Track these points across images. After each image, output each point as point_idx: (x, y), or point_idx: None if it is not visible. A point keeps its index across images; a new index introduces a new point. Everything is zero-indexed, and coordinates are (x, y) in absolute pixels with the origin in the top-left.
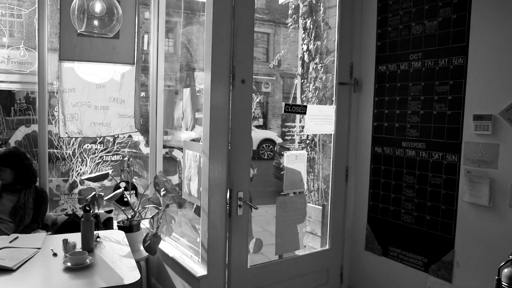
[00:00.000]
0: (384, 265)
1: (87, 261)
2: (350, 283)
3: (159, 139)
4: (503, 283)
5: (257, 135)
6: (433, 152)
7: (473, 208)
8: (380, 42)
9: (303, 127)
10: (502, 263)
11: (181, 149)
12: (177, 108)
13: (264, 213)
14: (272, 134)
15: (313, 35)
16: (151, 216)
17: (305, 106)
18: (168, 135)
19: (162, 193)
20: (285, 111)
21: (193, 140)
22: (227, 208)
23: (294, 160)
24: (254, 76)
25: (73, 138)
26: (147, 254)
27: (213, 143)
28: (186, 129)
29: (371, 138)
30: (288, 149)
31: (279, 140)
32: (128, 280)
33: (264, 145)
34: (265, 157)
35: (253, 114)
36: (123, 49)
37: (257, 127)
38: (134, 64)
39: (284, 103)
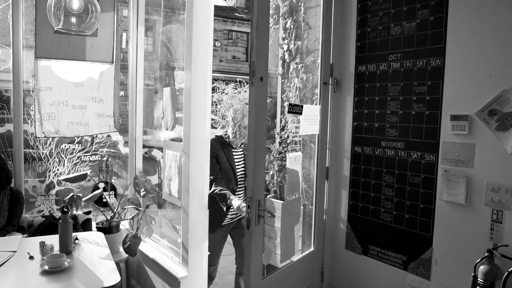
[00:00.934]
0: (364, 264)
1: (65, 263)
2: (330, 282)
3: (138, 138)
4: (479, 279)
5: None
6: (411, 151)
7: (450, 206)
8: (360, 43)
9: (296, 127)
10: (478, 260)
11: (160, 148)
12: (157, 107)
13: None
14: None
15: (293, 35)
16: (131, 217)
17: (302, 106)
18: (147, 134)
19: (142, 194)
20: (288, 112)
21: (173, 139)
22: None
23: (294, 162)
24: (233, 76)
25: (50, 138)
26: (127, 255)
27: (194, 143)
28: (166, 129)
29: (351, 138)
30: (269, 149)
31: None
32: (107, 283)
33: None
34: None
35: None
36: (102, 47)
37: None
38: (113, 62)
39: (288, 103)
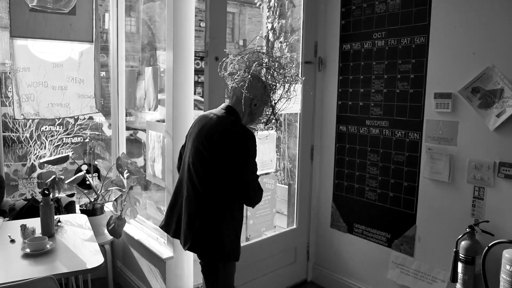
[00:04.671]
0: (349, 242)
1: (47, 246)
2: (316, 261)
3: (121, 120)
4: (460, 254)
5: None
6: (396, 130)
7: (433, 184)
8: (344, 21)
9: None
10: (460, 236)
11: (145, 130)
12: (139, 87)
13: None
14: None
15: (277, 13)
16: (114, 199)
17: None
18: (132, 116)
19: (125, 175)
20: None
21: (159, 121)
22: None
23: (265, 140)
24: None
25: (30, 120)
26: (111, 237)
27: (177, 123)
28: (149, 109)
29: (336, 117)
30: (255, 130)
31: None
32: (91, 264)
33: None
34: None
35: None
36: (81, 26)
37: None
38: (92, 42)
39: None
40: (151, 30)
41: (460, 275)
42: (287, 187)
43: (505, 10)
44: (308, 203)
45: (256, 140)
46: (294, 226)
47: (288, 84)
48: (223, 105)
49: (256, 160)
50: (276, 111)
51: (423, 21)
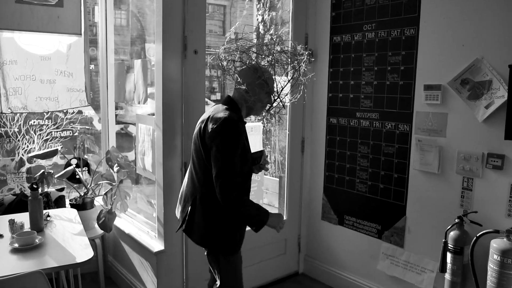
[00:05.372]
0: (340, 234)
1: (36, 241)
2: (307, 252)
3: (111, 113)
4: (449, 245)
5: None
6: (386, 122)
7: (423, 175)
8: (335, 13)
9: None
10: (449, 227)
11: (135, 124)
12: (129, 81)
13: None
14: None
15: (268, 6)
16: (104, 193)
17: None
18: (123, 109)
19: (115, 169)
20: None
21: (150, 115)
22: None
23: (250, 132)
24: (211, 50)
25: (18, 114)
26: (102, 231)
27: (167, 116)
28: (139, 102)
29: (326, 109)
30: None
31: None
32: (80, 258)
33: None
34: None
35: (212, 89)
36: (68, 18)
37: (215, 101)
38: (81, 34)
39: None
40: (140, 23)
41: (449, 265)
42: (278, 179)
43: (494, 2)
44: (299, 195)
45: (240, 129)
46: (285, 218)
47: (293, 69)
48: (226, 96)
49: (236, 150)
50: (280, 98)
51: (413, 13)
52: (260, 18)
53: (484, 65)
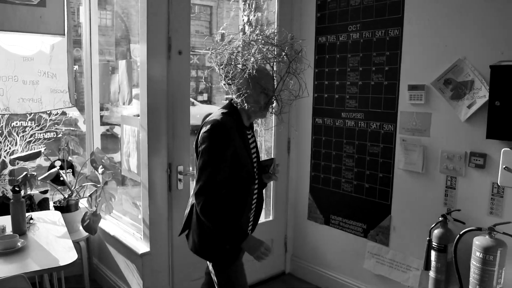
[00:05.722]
0: (326, 233)
1: (18, 244)
2: (294, 253)
3: (95, 114)
4: (433, 243)
5: (202, 110)
6: (371, 122)
7: (408, 174)
8: (320, 14)
9: None
10: (433, 225)
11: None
12: (113, 81)
13: None
14: (216, 109)
15: (253, 6)
16: (89, 195)
17: None
18: (108, 111)
19: (100, 171)
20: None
21: (136, 116)
22: (168, 182)
23: None
24: (197, 51)
25: (0, 116)
26: (87, 234)
27: (152, 117)
28: (123, 103)
29: (312, 110)
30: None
31: None
32: (64, 261)
33: None
34: None
35: (198, 89)
36: (51, 18)
37: (202, 102)
38: (64, 35)
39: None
40: (125, 23)
41: (433, 263)
42: None
43: (475, 3)
44: (285, 195)
45: (229, 136)
46: (270, 218)
47: (283, 63)
48: (229, 99)
49: (219, 157)
50: (276, 96)
51: (397, 14)
52: (245, 19)
53: (466, 66)
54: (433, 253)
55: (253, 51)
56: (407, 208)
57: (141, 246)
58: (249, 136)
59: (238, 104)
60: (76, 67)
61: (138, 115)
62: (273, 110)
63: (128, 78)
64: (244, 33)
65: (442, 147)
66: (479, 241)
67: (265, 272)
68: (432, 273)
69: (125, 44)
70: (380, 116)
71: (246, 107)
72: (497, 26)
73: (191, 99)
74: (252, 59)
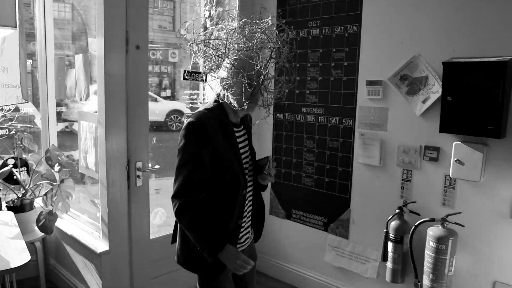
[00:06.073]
0: (287, 228)
1: None
2: (259, 248)
3: (51, 110)
4: (390, 234)
5: (165, 106)
6: (331, 117)
7: (366, 168)
8: (281, 9)
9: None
10: (390, 217)
11: None
12: (69, 76)
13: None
14: (180, 105)
15: (215, 1)
16: (44, 193)
17: (205, 73)
18: (66, 107)
19: (56, 168)
20: (184, 78)
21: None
22: (128, 179)
23: None
24: (160, 46)
25: None
26: (42, 234)
27: (110, 113)
28: (80, 99)
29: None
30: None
31: (187, 111)
32: (15, 263)
33: (172, 116)
34: (174, 128)
35: (162, 85)
36: (2, 9)
37: (165, 98)
38: (16, 27)
39: (183, 70)
40: (81, 16)
41: (390, 254)
42: None
43: (428, 1)
44: None
45: (205, 134)
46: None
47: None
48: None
49: (193, 157)
50: (260, 83)
51: (356, 11)
52: (207, 13)
53: (421, 62)
54: (390, 244)
55: (229, 36)
56: (365, 201)
57: (100, 245)
58: (239, 134)
59: (222, 98)
60: (30, 61)
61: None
62: (262, 103)
63: (85, 73)
64: (206, 28)
65: (398, 141)
66: (432, 231)
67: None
68: (389, 264)
69: (84, 38)
70: (339, 111)
71: (230, 101)
72: (450, 24)
73: (154, 95)
74: (231, 45)
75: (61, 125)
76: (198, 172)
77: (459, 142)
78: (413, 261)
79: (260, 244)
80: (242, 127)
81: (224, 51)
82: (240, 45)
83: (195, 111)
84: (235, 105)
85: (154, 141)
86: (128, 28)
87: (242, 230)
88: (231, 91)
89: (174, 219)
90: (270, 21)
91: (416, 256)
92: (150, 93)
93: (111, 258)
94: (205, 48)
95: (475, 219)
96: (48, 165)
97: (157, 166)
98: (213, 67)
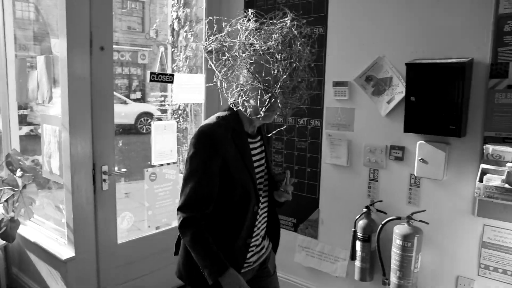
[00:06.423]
0: None
1: None
2: None
3: (12, 114)
4: (358, 234)
5: (135, 108)
6: (299, 117)
7: (334, 168)
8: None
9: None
10: (357, 216)
11: None
12: (31, 78)
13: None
14: (150, 107)
15: (182, 2)
16: (5, 200)
17: (172, 75)
18: (28, 109)
19: (19, 173)
20: (150, 80)
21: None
22: (93, 184)
23: (163, 130)
24: (129, 48)
25: None
26: (4, 242)
27: (74, 116)
28: (43, 101)
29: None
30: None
31: (157, 113)
32: None
33: (142, 119)
34: (144, 131)
35: (131, 87)
36: None
37: (135, 100)
38: None
39: (150, 71)
40: (43, 17)
41: (358, 253)
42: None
43: (392, 4)
44: None
45: (216, 145)
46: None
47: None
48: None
49: (201, 169)
50: (279, 90)
51: (322, 12)
52: (174, 14)
53: (385, 63)
54: (358, 243)
55: (243, 37)
56: (334, 201)
57: (65, 252)
58: (255, 146)
59: (236, 106)
60: None
61: None
62: (280, 112)
63: (48, 75)
64: (173, 29)
65: (365, 141)
66: (398, 230)
67: (176, 280)
68: (357, 263)
69: (48, 39)
70: (307, 112)
71: (245, 109)
72: (413, 26)
73: (124, 98)
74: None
75: (26, 129)
76: (205, 183)
77: (423, 142)
78: (380, 259)
79: None
80: (259, 138)
81: (237, 54)
82: (256, 48)
83: (209, 118)
84: (251, 113)
85: (121, 144)
86: (92, 28)
87: (253, 249)
88: (246, 98)
89: (143, 222)
90: (288, 22)
91: (384, 254)
92: (119, 95)
93: (77, 264)
94: (217, 52)
95: (439, 217)
96: (9, 170)
97: (123, 170)
98: (228, 72)
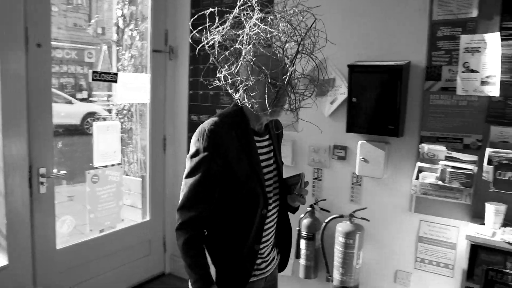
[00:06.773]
0: None
1: None
2: (174, 252)
3: None
4: (302, 232)
5: (80, 108)
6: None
7: None
8: (194, 10)
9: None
10: (302, 215)
11: None
12: None
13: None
14: (97, 107)
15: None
16: None
17: (116, 74)
18: None
19: None
20: (93, 79)
21: None
22: (30, 187)
23: (106, 131)
24: (75, 45)
25: None
26: None
27: (7, 116)
28: None
29: (187, 107)
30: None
31: (104, 113)
32: None
33: (88, 119)
34: (90, 132)
35: (77, 86)
36: None
37: (81, 100)
38: None
39: (91, 70)
40: None
41: (303, 251)
42: (140, 179)
43: (338, 5)
44: (162, 195)
45: (217, 143)
46: (147, 219)
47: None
48: None
49: (201, 165)
50: (287, 83)
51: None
52: (120, 12)
53: (328, 65)
54: (302, 242)
55: (247, 30)
56: None
57: None
58: (262, 144)
59: (243, 102)
60: None
61: None
62: (289, 106)
63: None
64: (118, 27)
65: (309, 141)
66: (341, 227)
67: (144, 274)
68: (302, 261)
69: None
70: None
71: (251, 105)
72: (356, 28)
73: (69, 97)
74: (248, 40)
75: None
76: (205, 183)
77: (364, 141)
78: (324, 257)
79: (175, 246)
80: (268, 136)
81: (241, 46)
82: (261, 38)
83: (213, 116)
84: (257, 109)
85: (61, 145)
86: (27, 24)
87: (263, 255)
88: (251, 93)
89: (86, 226)
90: (296, 9)
91: (328, 252)
92: (64, 94)
93: (11, 273)
94: (219, 46)
95: (379, 214)
96: None
97: (63, 172)
98: (231, 67)
